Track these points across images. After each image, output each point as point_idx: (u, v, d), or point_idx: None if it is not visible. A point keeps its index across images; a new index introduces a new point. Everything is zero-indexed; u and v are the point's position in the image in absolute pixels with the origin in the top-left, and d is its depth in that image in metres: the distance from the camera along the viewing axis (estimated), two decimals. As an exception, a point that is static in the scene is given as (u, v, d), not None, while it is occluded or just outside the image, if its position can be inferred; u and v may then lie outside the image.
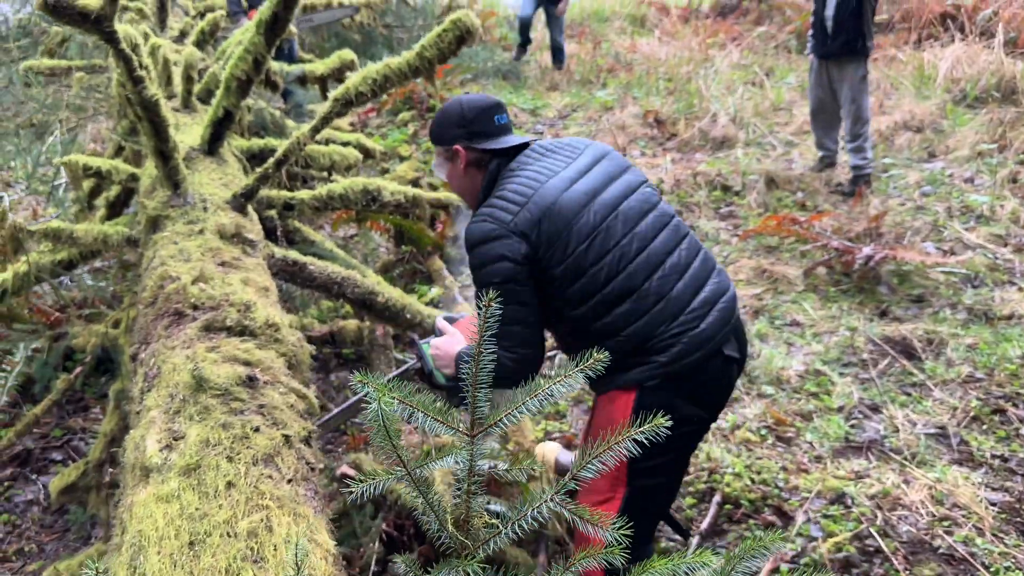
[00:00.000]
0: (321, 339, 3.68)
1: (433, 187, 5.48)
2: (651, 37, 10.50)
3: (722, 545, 2.67)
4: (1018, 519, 2.71)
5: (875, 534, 2.63)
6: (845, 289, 4.50)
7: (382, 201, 3.12)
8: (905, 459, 3.03)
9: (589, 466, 1.35)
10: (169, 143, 2.46)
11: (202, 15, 6.35)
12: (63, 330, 3.22)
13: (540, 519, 1.13)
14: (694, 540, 2.66)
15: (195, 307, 1.92)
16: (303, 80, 4.59)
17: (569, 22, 11.78)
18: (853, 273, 4.52)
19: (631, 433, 1.12)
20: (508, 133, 2.15)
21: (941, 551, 2.57)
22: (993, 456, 3.07)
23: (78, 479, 2.90)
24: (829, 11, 5.56)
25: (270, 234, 3.22)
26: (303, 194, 3.05)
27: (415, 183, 5.78)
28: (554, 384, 1.11)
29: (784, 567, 2.55)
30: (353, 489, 1.16)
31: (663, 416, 1.87)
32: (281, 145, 3.56)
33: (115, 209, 3.88)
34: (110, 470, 3.09)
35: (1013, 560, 2.52)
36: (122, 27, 2.49)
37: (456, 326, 2.25)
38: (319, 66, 5.03)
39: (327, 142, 4.62)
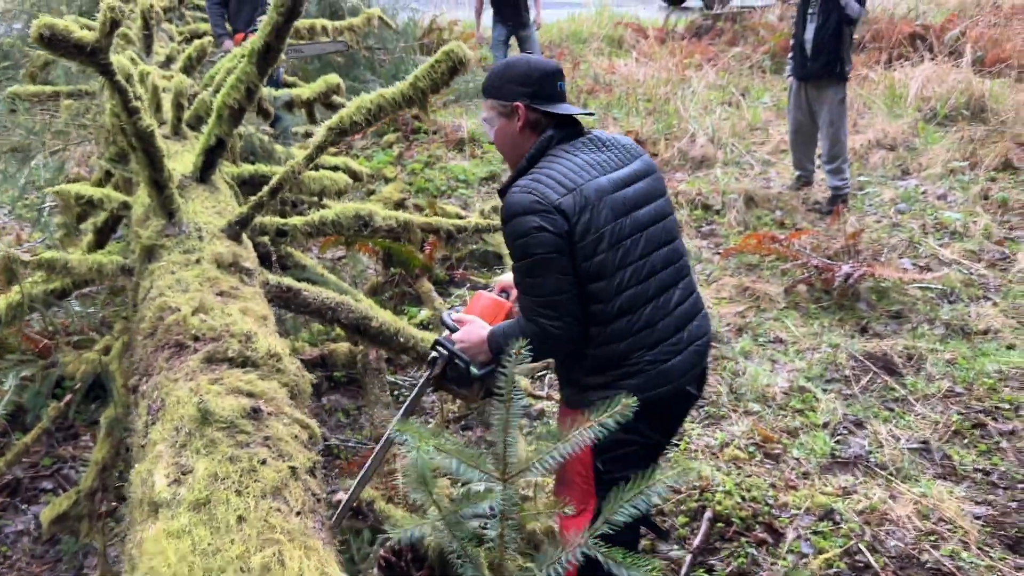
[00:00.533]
0: (312, 362, 3.69)
1: (420, 208, 5.52)
2: (628, 58, 10.63)
3: (715, 562, 2.71)
4: (1002, 532, 2.77)
5: (864, 550, 2.68)
6: (826, 306, 4.59)
7: (374, 226, 3.15)
8: (891, 474, 3.09)
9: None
10: (164, 173, 2.48)
11: (188, 40, 6.37)
12: (53, 358, 3.21)
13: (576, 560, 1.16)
14: (687, 558, 2.70)
15: (196, 338, 1.93)
16: (290, 105, 4.62)
17: (548, 43, 11.91)
18: (833, 290, 4.60)
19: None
20: (564, 101, 2.17)
21: (929, 565, 2.63)
22: (975, 470, 3.14)
23: (69, 508, 2.88)
24: (808, 34, 5.68)
25: (263, 259, 3.23)
26: (296, 220, 3.08)
27: (401, 204, 5.82)
28: (588, 429, 1.13)
29: (776, 584, 2.60)
30: (392, 535, 1.18)
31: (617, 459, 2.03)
32: (275, 173, 3.60)
33: (103, 235, 3.87)
34: (102, 498, 3.08)
35: (999, 573, 2.58)
36: (117, 58, 2.51)
37: (467, 312, 2.32)
38: (305, 90, 5.06)
39: (316, 167, 4.65)
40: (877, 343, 4.12)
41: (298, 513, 1.47)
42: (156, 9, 4.93)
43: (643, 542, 2.73)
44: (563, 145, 2.12)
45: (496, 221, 3.87)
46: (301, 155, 2.61)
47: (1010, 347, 4.09)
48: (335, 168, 4.62)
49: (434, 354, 2.32)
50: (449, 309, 2.42)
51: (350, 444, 3.31)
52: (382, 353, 3.31)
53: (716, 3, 15.04)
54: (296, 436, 1.71)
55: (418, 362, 2.90)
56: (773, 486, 3.02)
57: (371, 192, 5.84)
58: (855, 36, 5.70)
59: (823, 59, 5.65)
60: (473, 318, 2.26)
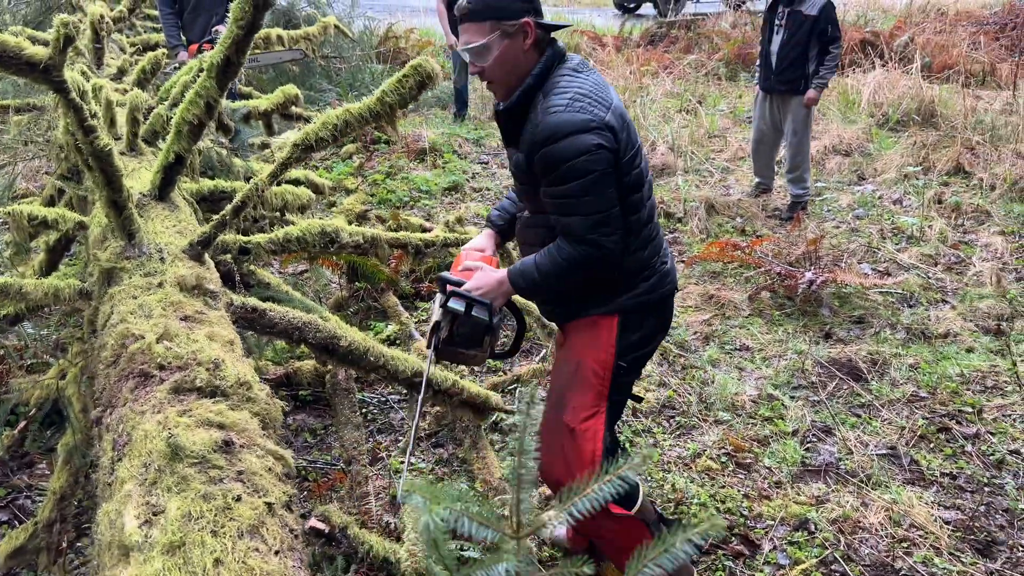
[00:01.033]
0: (277, 381, 3.61)
1: (382, 220, 5.45)
2: (587, 64, 10.65)
3: (692, 577, 2.70)
4: (971, 537, 2.81)
5: (840, 559, 2.69)
6: (789, 312, 4.63)
7: (340, 243, 3.08)
8: (861, 481, 3.12)
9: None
10: (123, 193, 2.39)
11: (140, 51, 6.22)
12: (6, 384, 3.08)
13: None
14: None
15: (161, 367, 1.86)
16: (247, 117, 4.53)
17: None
18: (796, 297, 4.65)
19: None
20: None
21: (903, 572, 2.65)
22: (942, 474, 3.18)
23: (27, 541, 2.77)
24: (774, 46, 5.72)
25: (226, 278, 3.15)
26: (259, 238, 3.00)
27: (363, 216, 5.74)
28: (626, 469, 1.08)
29: (753, 596, 2.59)
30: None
31: (635, 358, 2.29)
32: (235, 188, 3.52)
33: (56, 254, 3.75)
34: (61, 530, 2.97)
35: (970, 578, 2.62)
36: (71, 75, 2.42)
37: (454, 271, 2.33)
38: (263, 101, 4.96)
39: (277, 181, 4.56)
40: (841, 349, 4.17)
41: (277, 552, 1.41)
42: (106, 20, 4.80)
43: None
44: (568, 65, 2.16)
45: (464, 235, 3.83)
46: (265, 172, 2.54)
47: (969, 350, 4.17)
48: (297, 182, 4.54)
49: (436, 315, 2.27)
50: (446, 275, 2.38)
51: (318, 465, 3.24)
52: (351, 373, 3.24)
53: (670, 10, 15.21)
54: (270, 468, 1.65)
55: (388, 381, 2.85)
56: (747, 496, 3.03)
57: (332, 204, 5.75)
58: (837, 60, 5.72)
59: (788, 75, 5.70)
60: (480, 264, 2.30)
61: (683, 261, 5.32)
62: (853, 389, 3.82)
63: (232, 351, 2.09)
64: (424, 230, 5.12)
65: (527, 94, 2.12)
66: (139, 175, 3.09)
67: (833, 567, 2.68)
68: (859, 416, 3.61)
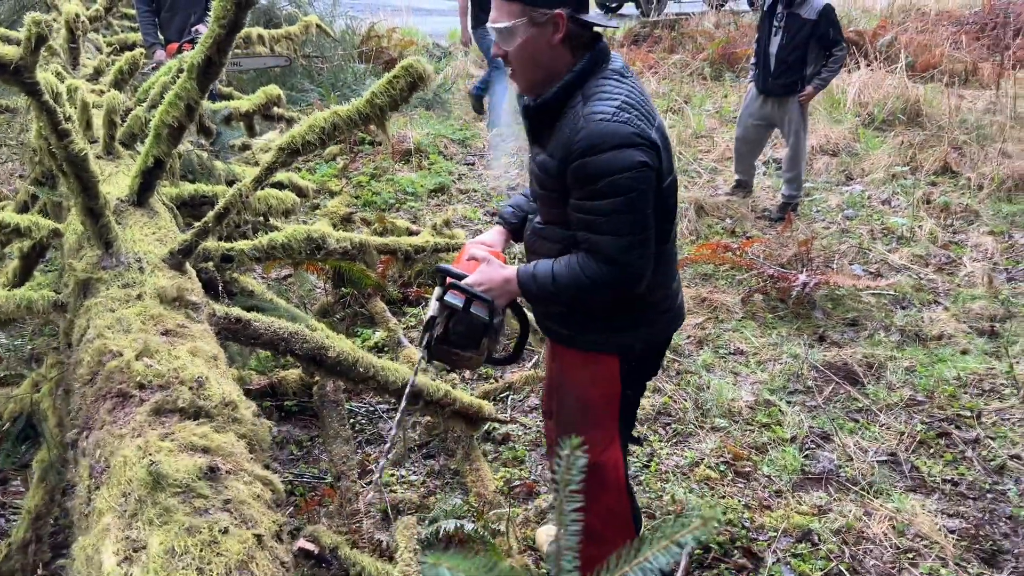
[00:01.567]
0: (261, 392, 3.49)
1: (367, 223, 5.34)
2: (571, 64, 10.59)
3: (694, 592, 2.63)
4: (977, 546, 2.75)
5: (845, 572, 2.63)
6: (782, 315, 4.57)
7: (327, 249, 2.98)
8: (863, 489, 3.06)
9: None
10: (99, 200, 2.28)
11: (117, 51, 6.07)
12: (-23, 399, 2.95)
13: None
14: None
15: (141, 386, 1.75)
16: (228, 118, 4.41)
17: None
18: (789, 299, 4.60)
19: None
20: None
21: (909, 585, 2.59)
22: (944, 481, 3.13)
23: (1, 563, 2.65)
24: (773, 47, 5.64)
25: (208, 286, 3.04)
26: (242, 244, 2.89)
27: (348, 219, 5.63)
28: (685, 535, 0.97)
29: (757, 612, 2.52)
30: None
31: (639, 381, 2.30)
32: (216, 192, 3.40)
33: (30, 260, 3.61)
34: (36, 550, 2.85)
35: (978, 590, 2.56)
36: (44, 76, 2.31)
37: (457, 264, 2.18)
38: (244, 102, 4.84)
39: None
40: (836, 352, 4.11)
41: (268, 589, 1.32)
42: (82, 19, 4.66)
43: None
44: (614, 67, 1.98)
45: (454, 240, 3.74)
46: (249, 178, 2.43)
47: (965, 352, 4.13)
48: (280, 185, 4.42)
49: (432, 310, 2.13)
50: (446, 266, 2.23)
51: (305, 479, 3.13)
52: (340, 384, 3.14)
53: (652, 10, 15.17)
54: (259, 496, 1.55)
55: (378, 392, 2.75)
56: (748, 507, 2.95)
57: (316, 206, 5.64)
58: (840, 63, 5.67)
59: (786, 77, 5.64)
60: (487, 256, 2.12)
61: (674, 263, 5.25)
62: (850, 393, 3.76)
63: (216, 367, 1.98)
64: (411, 233, 5.02)
65: (566, 91, 1.94)
66: (116, 180, 2.97)
67: (838, 580, 2.61)
68: (857, 421, 3.55)
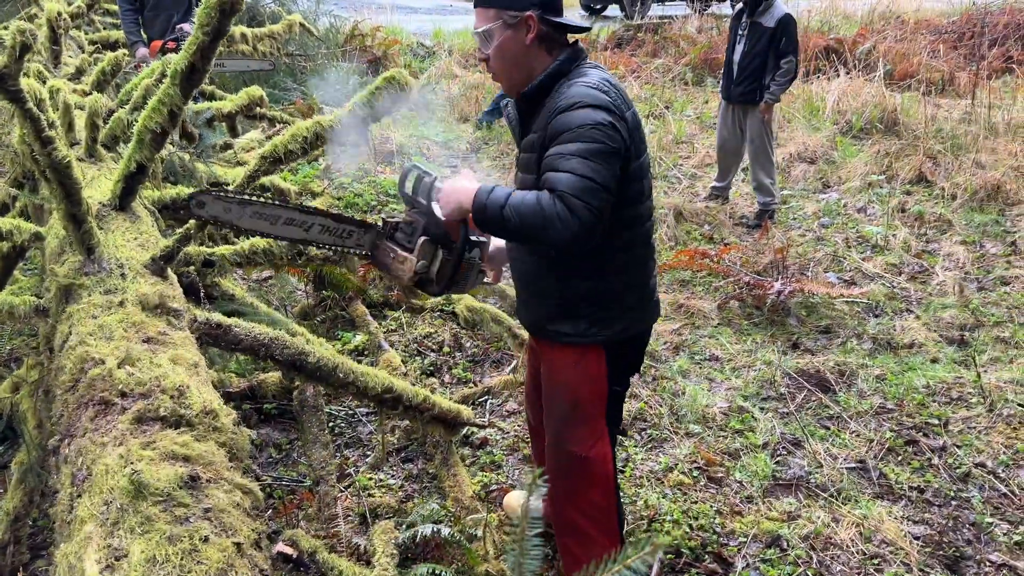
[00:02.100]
0: (240, 394, 3.51)
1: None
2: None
3: (665, 596, 2.69)
4: (941, 552, 2.83)
5: (812, 577, 2.70)
6: (757, 322, 4.65)
7: (309, 254, 3.01)
8: (831, 495, 3.13)
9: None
10: (82, 207, 2.30)
11: (99, 48, 6.04)
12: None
13: None
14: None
15: (123, 394, 1.78)
16: (210, 120, 4.42)
17: (473, 51, 11.84)
18: (764, 307, 4.67)
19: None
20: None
21: (874, 590, 2.66)
22: (911, 488, 3.21)
23: (-23, 566, 2.66)
24: (736, 55, 5.76)
25: (189, 290, 3.06)
26: (224, 249, 2.91)
27: (328, 221, 5.63)
28: (634, 560, 1.01)
29: (727, 616, 2.58)
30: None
31: (624, 376, 2.40)
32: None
33: (10, 260, 3.61)
34: (15, 552, 2.86)
35: (940, 596, 2.63)
36: (27, 82, 2.32)
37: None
38: (227, 103, 4.85)
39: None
40: (809, 359, 4.19)
41: (247, 597, 1.35)
42: (64, 17, 4.65)
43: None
44: (588, 61, 2.15)
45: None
46: (231, 187, 2.45)
47: (934, 360, 4.22)
48: (263, 188, 4.44)
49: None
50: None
51: (284, 483, 3.16)
52: (320, 389, 3.17)
53: (636, 12, 15.26)
54: (238, 504, 1.59)
55: (358, 398, 2.78)
56: (719, 512, 3.02)
57: (297, 208, 5.64)
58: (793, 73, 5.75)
59: (746, 84, 5.74)
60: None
61: (652, 269, 5.32)
62: (821, 401, 3.84)
63: (197, 374, 2.01)
64: (392, 236, 5.04)
65: (552, 78, 2.09)
66: (99, 184, 2.98)
67: (806, 585, 2.68)
68: (828, 428, 3.63)
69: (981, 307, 4.79)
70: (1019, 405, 3.72)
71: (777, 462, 3.37)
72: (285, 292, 4.56)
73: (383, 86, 2.38)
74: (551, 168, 1.97)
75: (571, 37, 2.20)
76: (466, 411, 3.20)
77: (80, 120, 3.58)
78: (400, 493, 3.12)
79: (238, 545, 1.45)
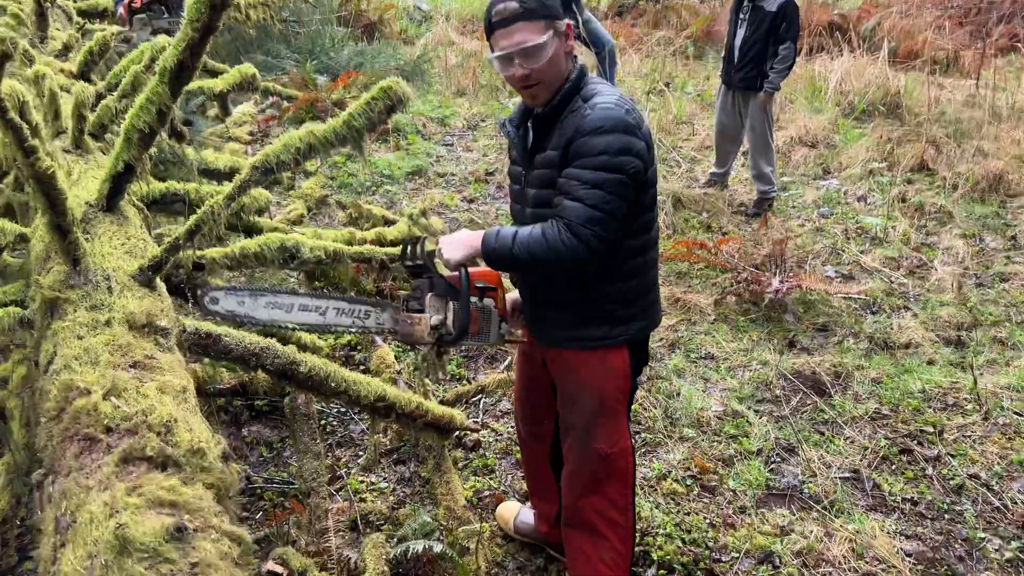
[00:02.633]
0: (232, 390, 3.47)
1: (342, 206, 5.27)
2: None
3: (656, 612, 2.68)
4: (932, 571, 2.83)
5: (803, 597, 2.69)
6: (754, 318, 4.61)
7: (301, 259, 2.94)
8: (824, 508, 3.12)
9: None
10: (67, 217, 2.22)
11: (85, 15, 5.87)
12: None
13: None
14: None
15: (108, 429, 1.73)
16: (203, 105, 4.32)
17: (471, 17, 11.63)
18: (762, 303, 4.63)
19: None
20: None
21: (865, 611, 2.66)
22: (904, 500, 3.20)
23: (-37, 571, 2.63)
24: (737, 40, 5.64)
25: (177, 290, 2.99)
26: (214, 252, 2.84)
27: (323, 201, 5.56)
28: None
29: (717, 634, 2.58)
30: None
31: (639, 370, 2.44)
32: (188, 191, 3.33)
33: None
34: (1, 554, 2.84)
35: (931, 619, 2.63)
36: (9, 85, 2.24)
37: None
38: (219, 82, 4.73)
39: (230, 168, 4.36)
40: (805, 359, 4.17)
41: (234, 665, 1.32)
42: (50, -11, 4.51)
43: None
44: (592, 75, 2.21)
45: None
46: (221, 196, 2.38)
47: (931, 362, 4.20)
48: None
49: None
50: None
51: (275, 484, 3.13)
52: (312, 397, 3.12)
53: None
54: (226, 554, 1.55)
55: (350, 407, 2.74)
56: (712, 525, 3.01)
57: (291, 187, 5.55)
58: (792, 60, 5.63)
59: (747, 70, 5.63)
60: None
61: (649, 258, 5.26)
62: (816, 404, 3.82)
63: (185, 401, 1.96)
64: (387, 222, 4.97)
65: (568, 96, 2.12)
66: (86, 181, 2.90)
67: (797, 605, 2.68)
68: (823, 434, 3.62)
69: (979, 305, 4.77)
70: (1015, 413, 3.71)
71: (771, 470, 3.36)
72: (278, 279, 4.50)
73: (379, 96, 2.30)
74: (565, 192, 2.06)
75: None
76: (459, 416, 3.17)
77: (67, 107, 3.48)
78: (392, 498, 3.10)
79: (226, 605, 1.41)
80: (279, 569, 2.37)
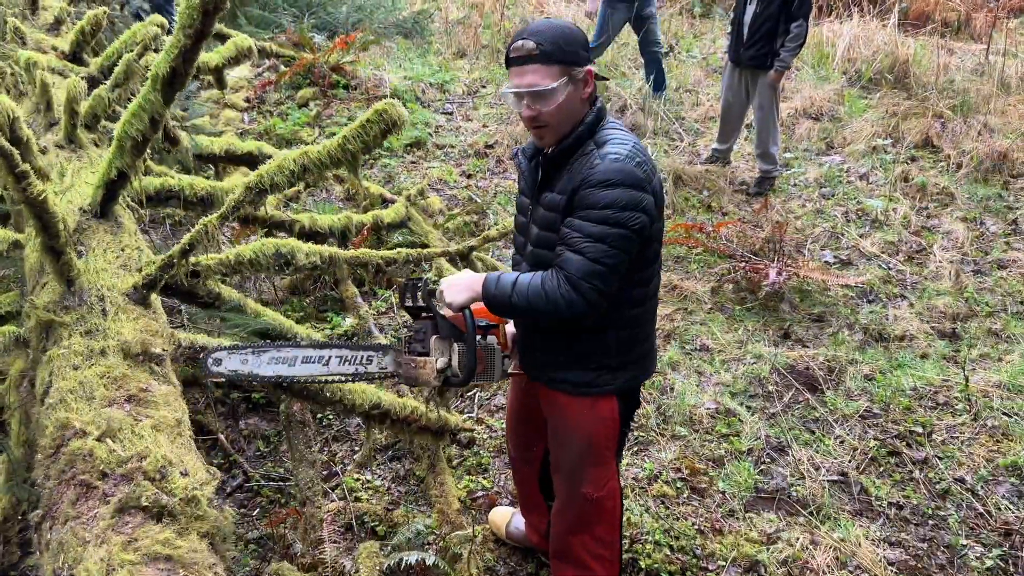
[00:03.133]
0: (229, 383, 3.50)
1: (340, 180, 5.23)
2: (558, -5, 10.24)
3: (642, 619, 2.75)
4: (913, 583, 2.90)
5: (786, 609, 2.76)
6: (750, 307, 4.62)
7: (296, 264, 2.94)
8: (811, 513, 3.18)
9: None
10: (60, 239, 2.22)
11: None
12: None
13: None
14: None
15: (104, 475, 1.75)
16: (198, 88, 4.24)
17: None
18: (759, 292, 4.63)
19: None
20: None
21: (845, 624, 2.73)
22: (890, 504, 3.25)
23: (-34, 570, 2.69)
24: (747, 16, 5.51)
25: (172, 290, 3.00)
26: (209, 259, 2.83)
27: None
28: None
29: (701, 643, 2.66)
30: None
31: (630, 417, 2.47)
32: (182, 186, 3.31)
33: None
34: (3, 552, 2.90)
35: (909, 633, 2.71)
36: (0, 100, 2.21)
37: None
38: (214, 56, 4.64)
39: (226, 152, 4.32)
40: (800, 353, 4.19)
41: None
42: (40, -41, 4.40)
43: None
44: (608, 116, 2.18)
45: (427, 251, 3.68)
46: (215, 215, 2.37)
47: (924, 356, 4.22)
48: (251, 156, 4.31)
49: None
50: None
51: (272, 481, 3.18)
52: (307, 405, 3.15)
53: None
54: (221, 609, 1.59)
55: (345, 415, 2.77)
56: (700, 531, 3.06)
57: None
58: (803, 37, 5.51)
59: (756, 48, 5.51)
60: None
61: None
62: (808, 401, 3.85)
63: (180, 436, 1.98)
64: (385, 201, 4.94)
65: (580, 139, 2.09)
66: (79, 183, 2.87)
67: (780, 617, 2.75)
68: (813, 432, 3.66)
69: (975, 294, 4.77)
70: (1004, 414, 3.74)
71: (760, 471, 3.41)
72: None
73: (374, 119, 2.26)
74: (567, 243, 2.03)
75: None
76: (453, 419, 3.21)
77: (59, 94, 3.44)
78: (387, 497, 3.15)
79: (220, 669, 1.45)
80: (275, 585, 2.43)
